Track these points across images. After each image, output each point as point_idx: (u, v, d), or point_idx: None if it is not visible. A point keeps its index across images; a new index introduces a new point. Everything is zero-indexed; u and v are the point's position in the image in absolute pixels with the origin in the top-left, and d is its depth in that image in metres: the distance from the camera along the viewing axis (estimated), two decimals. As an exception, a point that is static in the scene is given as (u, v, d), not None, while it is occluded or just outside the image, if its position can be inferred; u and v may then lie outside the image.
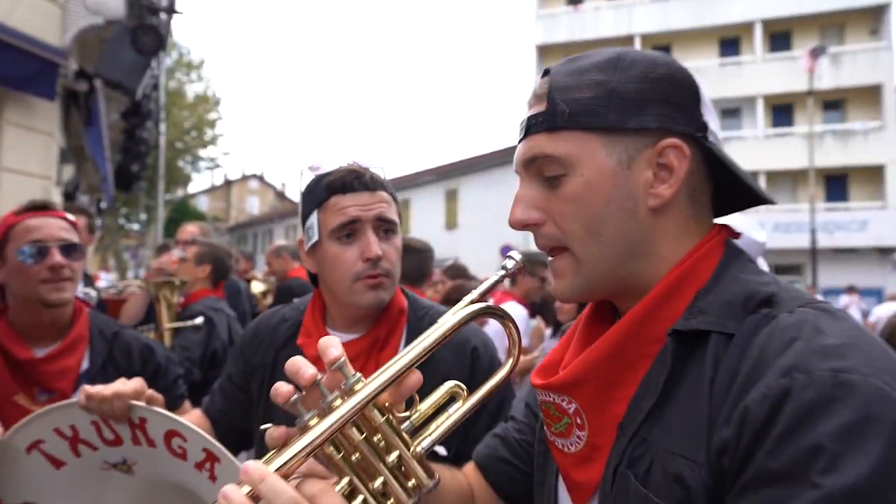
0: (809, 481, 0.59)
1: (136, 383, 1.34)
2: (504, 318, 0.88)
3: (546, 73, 0.88)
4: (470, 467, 1.10)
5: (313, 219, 1.46)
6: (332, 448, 0.74)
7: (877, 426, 0.59)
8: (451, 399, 0.87)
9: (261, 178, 63.37)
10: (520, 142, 0.89)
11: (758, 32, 25.58)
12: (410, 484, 0.77)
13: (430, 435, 0.81)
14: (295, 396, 0.75)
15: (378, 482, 0.75)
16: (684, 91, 0.83)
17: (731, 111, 26.32)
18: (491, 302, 0.90)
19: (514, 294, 4.61)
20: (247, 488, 0.66)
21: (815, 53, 20.52)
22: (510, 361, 0.88)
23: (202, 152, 30.82)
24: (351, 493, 0.74)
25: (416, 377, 0.80)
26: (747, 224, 2.72)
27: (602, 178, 0.82)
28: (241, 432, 1.61)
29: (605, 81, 0.82)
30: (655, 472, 0.73)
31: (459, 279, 5.26)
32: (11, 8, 6.35)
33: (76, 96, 8.26)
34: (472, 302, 0.85)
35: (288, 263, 5.85)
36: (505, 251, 21.55)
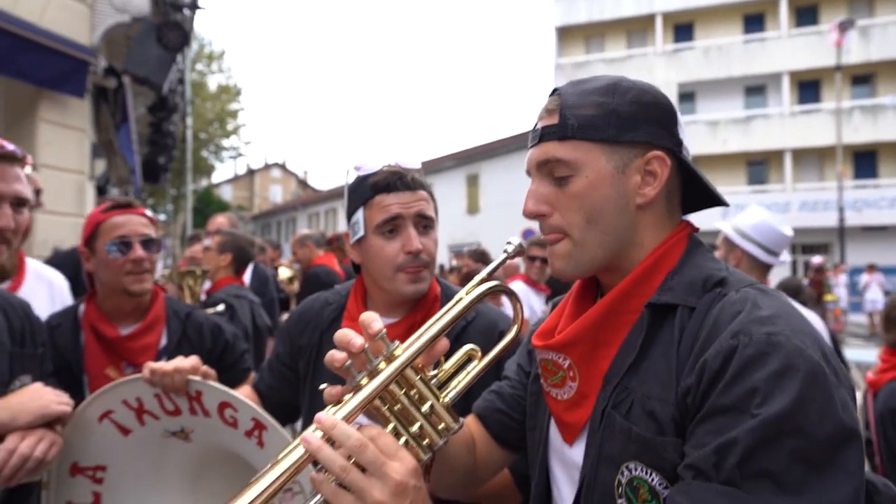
0: (749, 412, 0.80)
1: (193, 360, 1.51)
2: (509, 294, 1.08)
3: (555, 91, 1.08)
4: (470, 419, 1.30)
5: (359, 215, 1.60)
6: (379, 401, 0.93)
7: (796, 372, 0.81)
8: (469, 360, 1.07)
9: (283, 167, 63.95)
10: (532, 147, 1.08)
11: (783, 7, 24.93)
12: (440, 427, 0.96)
13: (454, 389, 1.02)
14: (348, 362, 0.93)
15: (415, 427, 0.94)
16: (666, 114, 1.04)
17: (756, 88, 25.80)
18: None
19: (526, 276, 5.09)
20: (319, 433, 0.85)
21: (844, 27, 19.97)
22: (514, 329, 1.09)
23: (224, 142, 31.27)
24: (395, 436, 0.92)
25: (444, 344, 1.00)
26: (777, 220, 3.08)
27: (602, 179, 1.01)
28: (289, 406, 1.76)
29: (605, 103, 1.02)
30: (635, 411, 0.94)
31: (481, 263, 5.62)
32: (42, 9, 6.57)
33: (105, 93, 8.52)
34: (482, 281, 1.05)
35: (312, 252, 6.02)
36: (527, 235, 21.54)
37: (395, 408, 0.94)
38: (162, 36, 7.67)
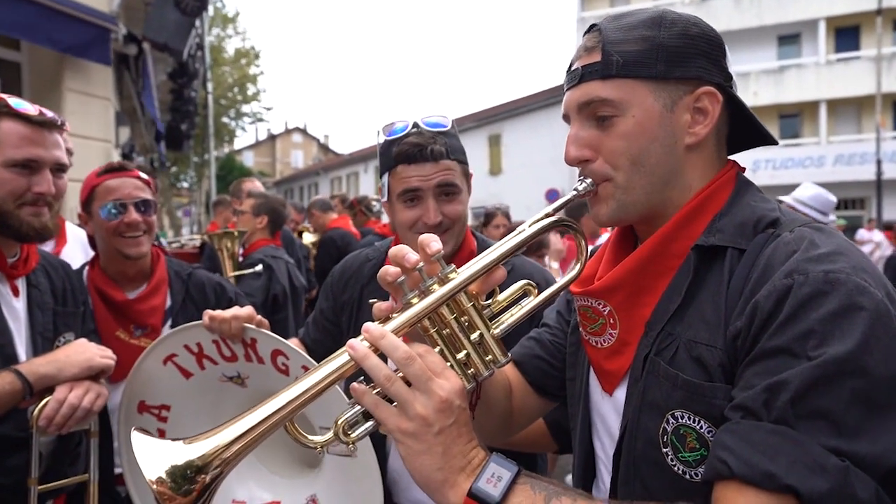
0: (805, 354, 0.76)
1: (249, 310, 1.57)
2: (576, 230, 1.01)
3: (593, 27, 1.01)
4: (507, 366, 1.27)
5: (385, 180, 1.66)
6: (428, 322, 0.90)
7: (859, 312, 0.76)
8: (524, 295, 1.02)
9: (303, 131, 63.83)
10: (570, 88, 1.02)
11: (821, -52, 23.62)
12: (488, 358, 0.92)
13: (505, 321, 0.96)
14: (401, 278, 0.89)
15: (462, 354, 0.91)
16: (715, 47, 0.98)
17: (790, 37, 24.69)
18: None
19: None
20: (367, 343, 0.83)
21: (886, -32, 18.87)
22: (578, 266, 1.02)
23: (245, 108, 31.21)
24: None
25: (501, 272, 0.94)
26: (823, 190, 3.97)
27: (650, 119, 0.96)
28: None
29: (652, 37, 0.96)
30: (680, 357, 0.91)
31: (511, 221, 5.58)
32: (61, -24, 6.53)
33: (127, 60, 8.52)
34: (548, 215, 0.98)
35: (323, 217, 6.09)
36: (551, 196, 21.24)
37: (444, 332, 0.91)
38: (179, 1, 7.60)
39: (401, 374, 0.83)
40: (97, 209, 1.95)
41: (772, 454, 0.73)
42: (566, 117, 1.04)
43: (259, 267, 3.69)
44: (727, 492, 0.77)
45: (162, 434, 1.68)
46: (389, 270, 0.90)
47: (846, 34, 24.00)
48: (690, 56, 0.95)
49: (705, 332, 0.89)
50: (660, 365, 0.93)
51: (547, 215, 0.99)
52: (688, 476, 0.89)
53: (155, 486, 0.77)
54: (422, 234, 1.53)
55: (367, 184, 37.63)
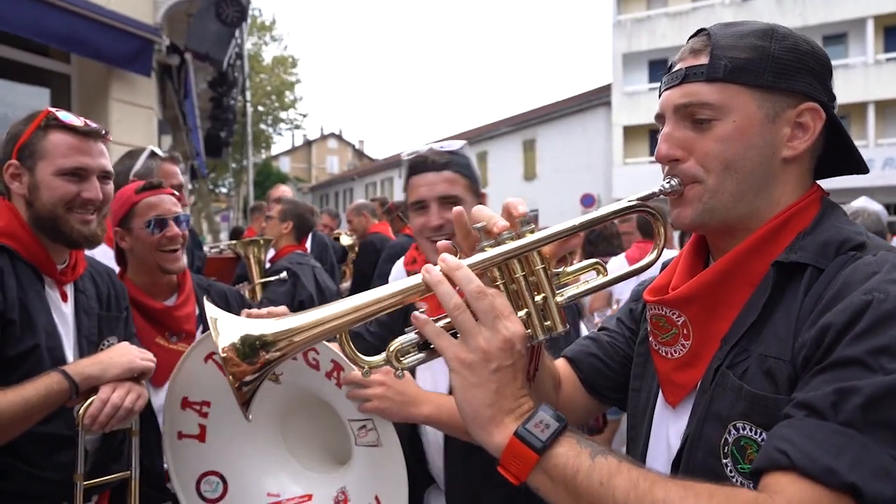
0: (880, 368, 0.75)
1: (283, 308, 1.68)
2: (655, 216, 1.01)
3: (701, 31, 1.03)
4: (560, 361, 1.28)
5: (407, 192, 1.91)
6: (498, 272, 0.92)
7: None
8: (593, 273, 1.03)
9: (339, 137, 64.71)
10: (669, 88, 1.02)
11: (868, -56, 22.82)
12: (546, 324, 0.93)
13: (569, 292, 0.98)
14: (481, 224, 0.93)
15: (522, 312, 0.92)
16: (822, 65, 1.00)
17: (836, 37, 23.90)
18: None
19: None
20: (441, 271, 0.88)
21: (938, -37, 18.13)
22: (654, 252, 1.02)
23: (282, 114, 31.79)
24: None
25: (577, 240, 0.98)
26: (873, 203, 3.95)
27: (751, 126, 0.97)
28: None
29: (763, 47, 0.97)
30: (752, 371, 0.92)
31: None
32: (109, -9, 6.78)
33: (169, 70, 8.79)
34: (630, 202, 1.00)
35: (368, 220, 6.15)
36: (586, 201, 21.02)
37: (511, 286, 0.92)
38: (220, 12, 7.81)
39: (470, 308, 0.84)
40: (139, 226, 2.06)
41: (836, 452, 0.72)
42: (660, 117, 1.04)
43: (283, 274, 3.73)
44: (780, 480, 0.75)
45: (203, 429, 1.75)
46: (483, 213, 0.93)
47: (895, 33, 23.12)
48: (798, 71, 0.96)
49: (776, 346, 0.90)
50: (728, 376, 0.93)
51: (629, 201, 1.00)
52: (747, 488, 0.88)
53: (225, 354, 0.86)
54: (429, 238, 1.74)
55: (401, 189, 37.89)
